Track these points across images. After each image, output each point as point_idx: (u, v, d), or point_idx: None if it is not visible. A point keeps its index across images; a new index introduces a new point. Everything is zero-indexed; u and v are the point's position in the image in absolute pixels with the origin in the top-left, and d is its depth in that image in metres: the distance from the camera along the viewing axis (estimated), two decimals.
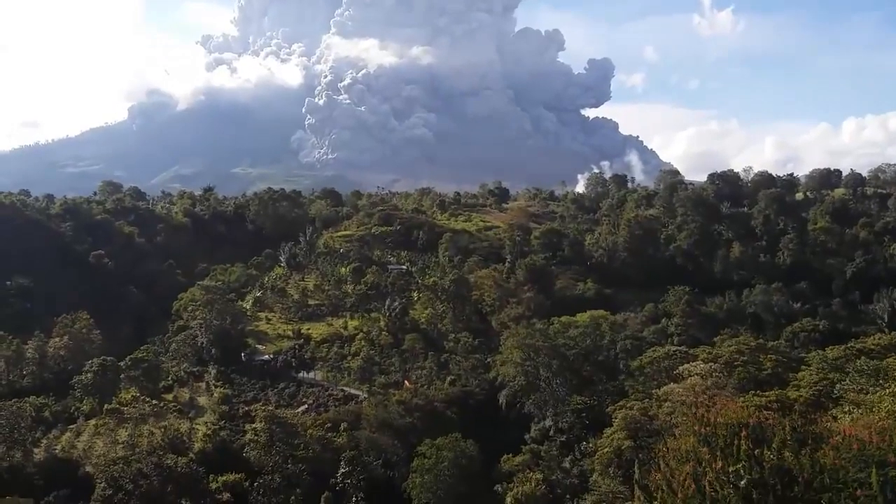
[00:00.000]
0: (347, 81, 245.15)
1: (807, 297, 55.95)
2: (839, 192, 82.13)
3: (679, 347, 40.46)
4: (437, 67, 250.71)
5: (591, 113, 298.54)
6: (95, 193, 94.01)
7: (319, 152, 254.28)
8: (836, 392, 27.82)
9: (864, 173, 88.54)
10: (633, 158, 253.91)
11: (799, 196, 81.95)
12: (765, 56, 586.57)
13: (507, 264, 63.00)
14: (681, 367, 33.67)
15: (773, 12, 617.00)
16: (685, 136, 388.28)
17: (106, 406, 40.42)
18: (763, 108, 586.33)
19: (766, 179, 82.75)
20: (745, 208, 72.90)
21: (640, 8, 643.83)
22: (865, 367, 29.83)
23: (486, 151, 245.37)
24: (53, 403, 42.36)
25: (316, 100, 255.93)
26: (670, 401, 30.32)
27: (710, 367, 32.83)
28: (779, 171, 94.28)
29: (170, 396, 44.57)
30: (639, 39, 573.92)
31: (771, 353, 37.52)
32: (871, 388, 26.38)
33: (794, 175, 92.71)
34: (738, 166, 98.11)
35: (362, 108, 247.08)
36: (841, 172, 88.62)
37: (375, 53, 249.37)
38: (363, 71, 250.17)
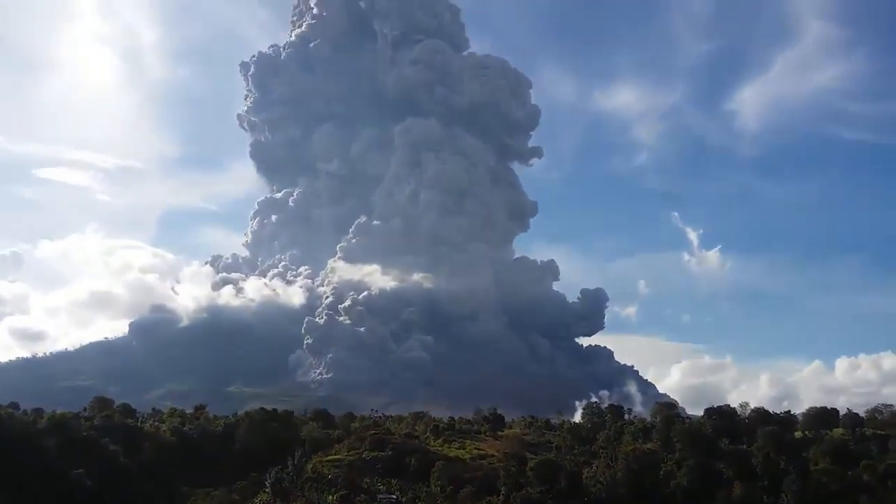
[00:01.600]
0: (348, 303, 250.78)
1: None
2: (838, 431, 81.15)
3: None
4: (436, 292, 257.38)
5: (586, 341, 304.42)
6: (85, 409, 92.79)
7: (316, 372, 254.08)
8: None
9: (861, 412, 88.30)
10: (630, 388, 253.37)
11: (798, 434, 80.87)
12: (754, 294, 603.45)
13: (501, 496, 60.93)
14: None
15: (759, 253, 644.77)
16: (680, 368, 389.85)
17: None
18: (756, 343, 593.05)
19: (762, 416, 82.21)
20: (744, 445, 71.73)
21: (631, 245, 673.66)
22: None
23: (482, 376, 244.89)
24: None
25: (316, 319, 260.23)
26: None
27: None
28: (775, 408, 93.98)
29: None
30: (631, 274, 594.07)
31: None
32: None
33: (791, 412, 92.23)
34: (734, 401, 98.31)
35: (361, 329, 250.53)
36: (838, 412, 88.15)
37: (377, 278, 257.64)
38: (364, 293, 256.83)
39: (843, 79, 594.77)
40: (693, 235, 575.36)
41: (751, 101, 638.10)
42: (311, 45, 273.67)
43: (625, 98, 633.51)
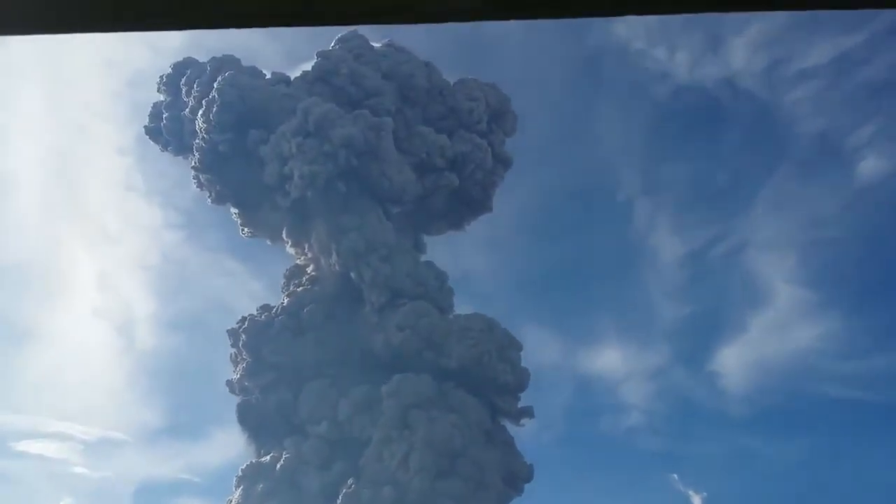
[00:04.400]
0: None
1: None
2: None
3: None
4: None
5: None
6: None
7: None
8: None
9: None
10: None
11: None
12: None
13: None
14: None
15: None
16: None
17: None
18: None
19: None
20: None
21: None
22: None
23: None
24: None
25: None
26: None
27: None
28: None
29: None
30: None
31: None
32: None
33: None
34: None
35: None
36: None
37: None
38: None
39: (821, 338, 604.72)
40: (696, 499, 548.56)
41: (733, 361, 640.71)
42: (305, 310, 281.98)
43: (610, 359, 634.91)
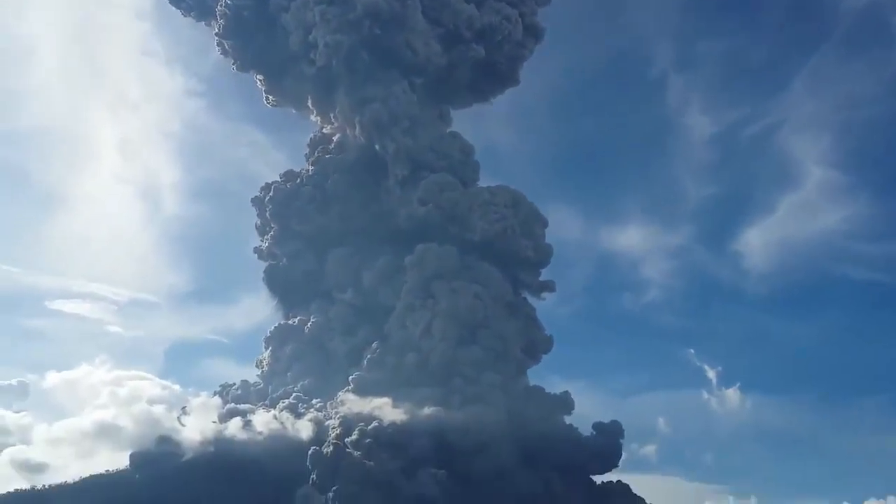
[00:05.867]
0: (356, 436, 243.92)
1: None
2: None
3: None
4: (448, 425, 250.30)
5: (603, 478, 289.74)
6: None
7: None
8: None
9: None
10: None
11: None
12: (777, 433, 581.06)
13: None
14: None
15: (779, 391, 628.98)
16: None
17: None
18: (781, 484, 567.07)
19: None
20: None
21: (648, 382, 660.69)
22: None
23: None
24: None
25: (323, 450, 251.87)
26: None
27: None
28: None
29: None
30: (649, 411, 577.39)
31: None
32: None
33: None
34: None
35: (370, 463, 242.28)
36: None
37: (388, 411, 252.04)
38: (373, 425, 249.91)
39: (848, 220, 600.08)
40: (711, 373, 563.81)
41: (757, 241, 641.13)
42: (329, 180, 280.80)
43: (633, 237, 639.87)
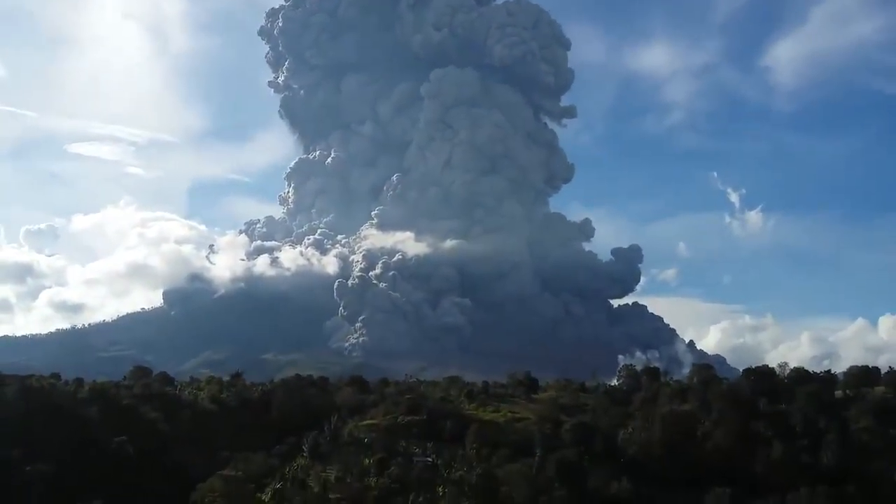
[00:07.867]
0: (379, 269, 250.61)
1: (854, 501, 52.88)
2: (879, 389, 79.51)
3: None
4: (470, 253, 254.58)
5: (622, 301, 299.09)
6: (125, 378, 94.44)
7: (352, 337, 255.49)
8: None
9: None
10: (667, 350, 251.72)
11: (838, 393, 79.33)
12: (797, 252, 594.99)
13: (536, 458, 60.81)
14: None
15: (802, 211, 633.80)
16: (719, 329, 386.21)
17: None
18: (797, 303, 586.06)
19: (802, 376, 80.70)
20: (783, 405, 70.58)
21: (671, 207, 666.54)
22: None
23: (515, 339, 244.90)
24: None
25: (349, 283, 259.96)
26: None
27: None
28: (815, 368, 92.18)
29: None
30: (671, 236, 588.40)
31: None
32: None
33: (832, 371, 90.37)
34: (773, 361, 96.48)
35: (395, 294, 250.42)
36: (879, 370, 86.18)
37: (411, 245, 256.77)
38: (396, 257, 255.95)
39: (883, 30, 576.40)
40: (734, 196, 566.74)
41: (787, 56, 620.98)
42: (339, 7, 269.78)
43: (656, 57, 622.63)
